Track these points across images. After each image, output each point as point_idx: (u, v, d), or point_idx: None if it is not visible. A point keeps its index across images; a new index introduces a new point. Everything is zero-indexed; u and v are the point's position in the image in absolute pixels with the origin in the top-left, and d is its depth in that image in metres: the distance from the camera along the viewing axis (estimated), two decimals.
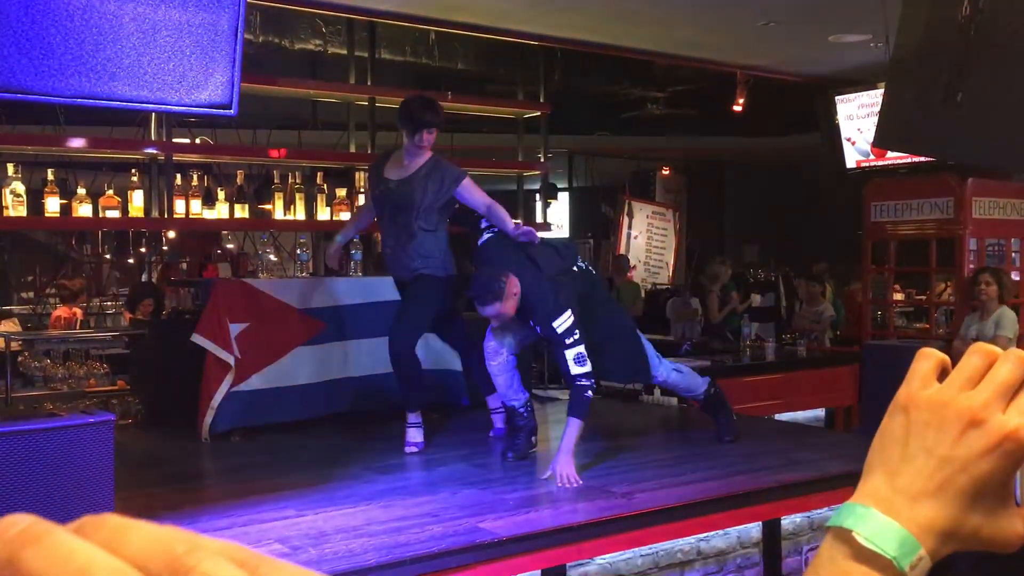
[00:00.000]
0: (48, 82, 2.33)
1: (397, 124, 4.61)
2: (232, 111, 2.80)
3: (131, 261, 10.43)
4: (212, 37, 2.63)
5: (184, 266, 7.34)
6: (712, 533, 3.99)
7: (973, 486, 0.62)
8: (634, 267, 11.07)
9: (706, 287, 9.07)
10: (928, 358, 0.66)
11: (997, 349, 0.64)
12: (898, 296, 8.72)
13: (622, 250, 11.47)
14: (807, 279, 9.00)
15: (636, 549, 3.78)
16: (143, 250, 9.58)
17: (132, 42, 2.46)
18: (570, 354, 4.10)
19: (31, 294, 10.82)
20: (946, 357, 0.66)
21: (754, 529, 4.19)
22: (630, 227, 11.87)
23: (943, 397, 0.63)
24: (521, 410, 4.59)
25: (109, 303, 9.43)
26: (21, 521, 0.34)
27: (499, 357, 4.56)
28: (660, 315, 9.62)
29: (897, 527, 0.61)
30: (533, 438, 4.67)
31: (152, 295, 7.18)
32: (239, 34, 2.76)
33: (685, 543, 3.98)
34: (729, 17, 6.24)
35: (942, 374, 0.65)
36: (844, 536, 0.62)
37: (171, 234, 8.95)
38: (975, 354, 0.64)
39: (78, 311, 7.30)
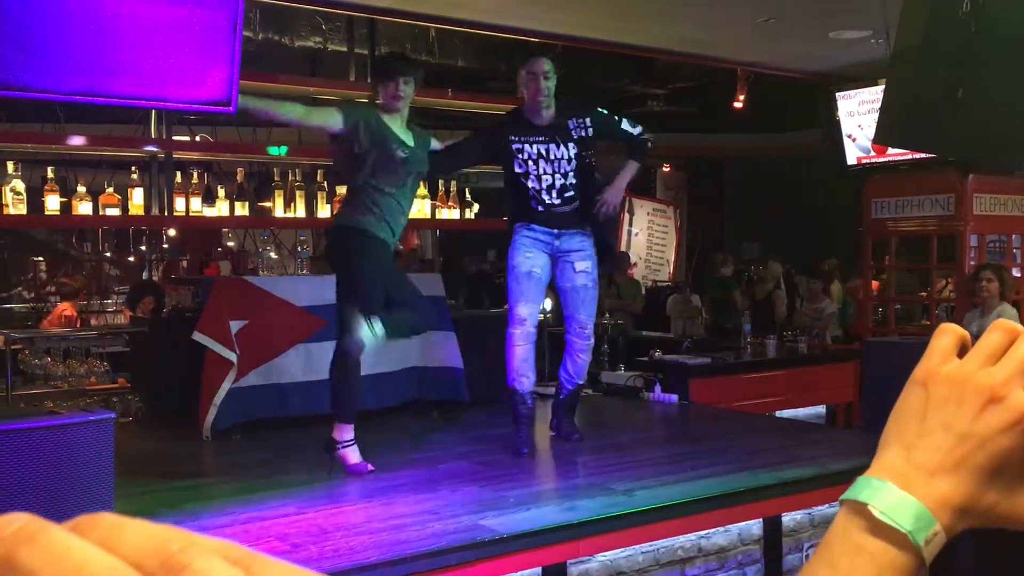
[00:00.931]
0: (47, 79, 2.33)
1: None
2: (231, 108, 2.80)
3: (131, 259, 10.43)
4: (211, 34, 2.63)
5: (184, 264, 7.35)
6: (713, 530, 3.99)
7: (991, 462, 0.61)
8: (635, 264, 11.07)
9: (763, 286, 9.06)
10: (948, 333, 0.65)
11: (1019, 326, 0.64)
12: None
13: (623, 247, 11.46)
14: (808, 276, 9.00)
15: (637, 546, 3.78)
16: (143, 248, 9.59)
17: (131, 39, 2.46)
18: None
19: (31, 292, 10.82)
20: (966, 333, 0.65)
21: (755, 526, 4.19)
22: (631, 224, 11.87)
23: (963, 373, 0.63)
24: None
25: (109, 301, 9.43)
26: (17, 519, 0.34)
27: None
28: (661, 312, 9.62)
29: (913, 501, 0.60)
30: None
31: (153, 293, 7.19)
32: (238, 31, 2.76)
33: (686, 540, 3.98)
34: (730, 14, 6.23)
35: (962, 350, 0.65)
36: (859, 509, 0.61)
37: (171, 232, 8.96)
38: (996, 331, 0.64)
39: (71, 308, 7.29)
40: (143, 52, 2.48)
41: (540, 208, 4.60)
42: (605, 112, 4.74)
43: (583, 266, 4.68)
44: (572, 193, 4.60)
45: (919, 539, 0.60)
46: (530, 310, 4.62)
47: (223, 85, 2.67)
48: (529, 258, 4.59)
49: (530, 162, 4.56)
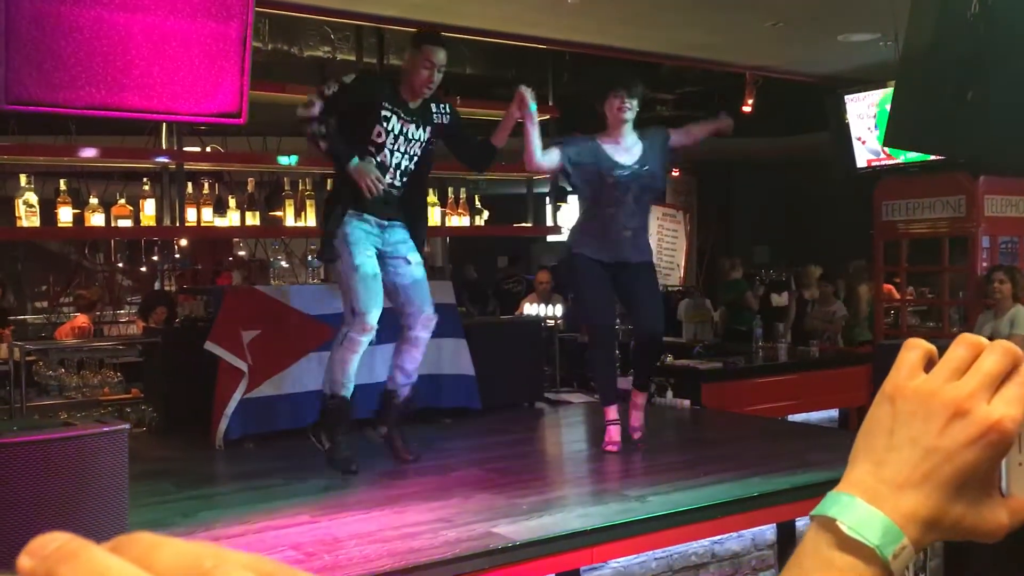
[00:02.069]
0: (60, 94, 2.36)
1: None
2: (241, 119, 2.82)
3: (143, 269, 10.50)
4: (221, 46, 2.65)
5: (196, 272, 7.40)
6: (726, 536, 3.98)
7: (957, 476, 0.62)
8: None
9: (804, 292, 9.06)
10: (915, 348, 0.66)
11: (984, 340, 0.65)
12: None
13: None
14: (820, 279, 8.98)
15: (650, 552, 3.77)
16: (156, 258, 9.64)
17: (142, 53, 2.48)
18: None
19: (45, 303, 10.90)
20: (933, 348, 0.66)
21: (768, 531, 4.18)
22: None
23: (929, 387, 0.64)
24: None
25: (123, 311, 9.48)
26: (57, 538, 0.36)
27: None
28: (671, 317, 9.60)
29: (881, 516, 0.61)
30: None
31: (165, 303, 7.23)
32: (247, 43, 2.78)
33: (699, 546, 3.97)
34: (737, 19, 6.23)
35: (929, 364, 0.65)
36: (828, 525, 0.63)
37: (183, 242, 9.00)
38: (961, 345, 0.65)
39: (86, 320, 7.33)
40: (154, 66, 2.50)
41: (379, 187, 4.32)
42: (459, 113, 4.70)
43: (416, 257, 4.50)
44: (408, 179, 4.46)
45: (887, 553, 0.61)
46: (377, 316, 4.32)
47: (233, 97, 2.69)
48: (370, 257, 4.31)
49: (390, 135, 4.34)
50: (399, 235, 4.46)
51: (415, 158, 4.46)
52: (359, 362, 4.38)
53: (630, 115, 4.72)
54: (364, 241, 4.30)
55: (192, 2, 2.56)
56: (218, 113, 2.77)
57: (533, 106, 4.53)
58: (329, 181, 6.30)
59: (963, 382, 0.63)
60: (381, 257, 4.39)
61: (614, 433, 4.72)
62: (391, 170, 4.37)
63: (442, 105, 4.57)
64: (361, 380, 4.52)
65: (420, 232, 4.61)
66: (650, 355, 5.00)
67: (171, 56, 2.54)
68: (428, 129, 4.48)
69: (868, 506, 0.62)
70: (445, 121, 4.55)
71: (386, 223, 4.40)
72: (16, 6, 2.30)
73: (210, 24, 2.62)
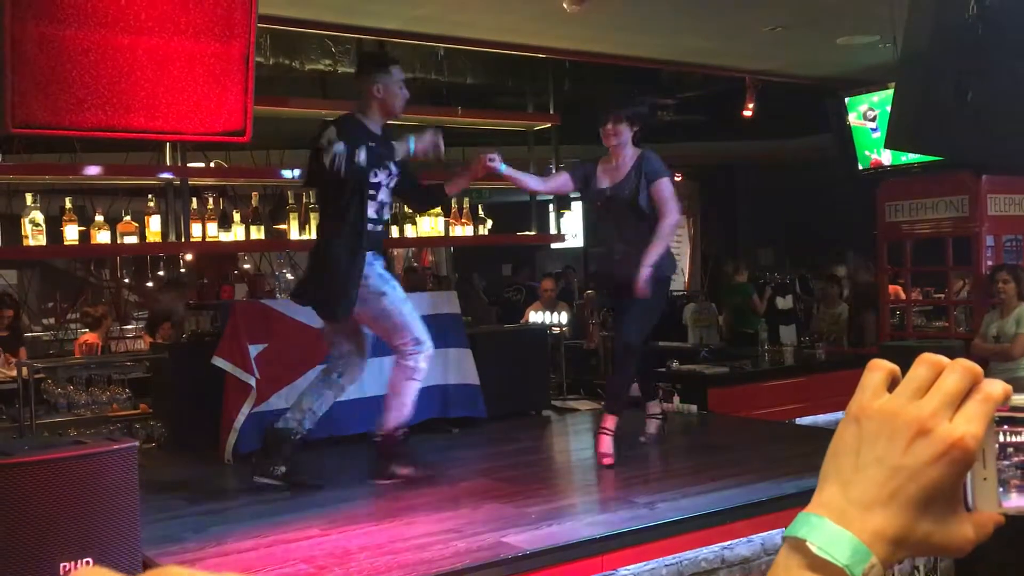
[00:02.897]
0: (66, 117, 2.38)
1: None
2: (246, 137, 2.84)
3: (149, 284, 10.53)
4: (224, 66, 2.68)
5: (202, 286, 7.40)
6: (736, 540, 3.98)
7: (922, 494, 0.63)
8: None
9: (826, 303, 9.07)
10: (878, 369, 0.68)
11: (944, 359, 0.66)
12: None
13: None
14: (825, 280, 8.98)
15: (660, 559, 3.77)
16: (161, 273, 9.68)
17: (147, 74, 2.51)
18: None
19: (52, 320, 10.93)
20: (896, 368, 0.68)
21: (778, 536, 4.18)
22: None
23: (892, 407, 0.65)
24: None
25: (129, 327, 9.51)
26: (94, 573, 0.37)
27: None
28: (677, 321, 9.61)
29: (849, 536, 0.63)
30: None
31: (171, 319, 7.25)
32: (250, 62, 2.80)
33: (709, 551, 3.97)
34: (737, 24, 6.24)
35: (893, 384, 0.67)
36: (798, 546, 0.64)
37: (188, 257, 9.03)
38: (922, 364, 0.66)
39: (95, 337, 7.36)
40: (159, 87, 2.53)
41: (379, 228, 4.35)
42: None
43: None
44: (388, 217, 4.47)
45: (856, 572, 0.62)
46: None
47: (238, 115, 2.71)
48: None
49: (381, 172, 4.24)
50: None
51: (391, 187, 4.39)
52: (368, 378, 4.71)
53: (615, 140, 4.78)
54: (385, 275, 4.34)
55: (195, 23, 2.58)
56: (223, 132, 2.79)
57: (502, 167, 4.53)
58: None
59: (925, 401, 0.64)
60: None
61: (605, 444, 4.63)
62: (385, 206, 4.39)
63: (400, 140, 4.41)
64: (351, 395, 4.84)
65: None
66: (621, 365, 4.86)
67: (175, 76, 2.56)
68: (396, 164, 4.34)
69: (836, 526, 0.63)
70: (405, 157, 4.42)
71: (372, 255, 4.32)
72: (22, 30, 2.33)
73: (213, 44, 2.64)
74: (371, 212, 4.24)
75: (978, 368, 0.65)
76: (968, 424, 0.63)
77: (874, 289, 8.33)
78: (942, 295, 8.38)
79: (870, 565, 0.62)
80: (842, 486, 0.65)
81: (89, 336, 7.43)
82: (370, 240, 4.26)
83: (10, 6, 2.23)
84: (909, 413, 0.64)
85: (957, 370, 0.65)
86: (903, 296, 8.20)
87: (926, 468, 0.63)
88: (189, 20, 2.57)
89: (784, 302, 9.66)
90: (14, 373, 5.57)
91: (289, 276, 8.22)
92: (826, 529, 0.63)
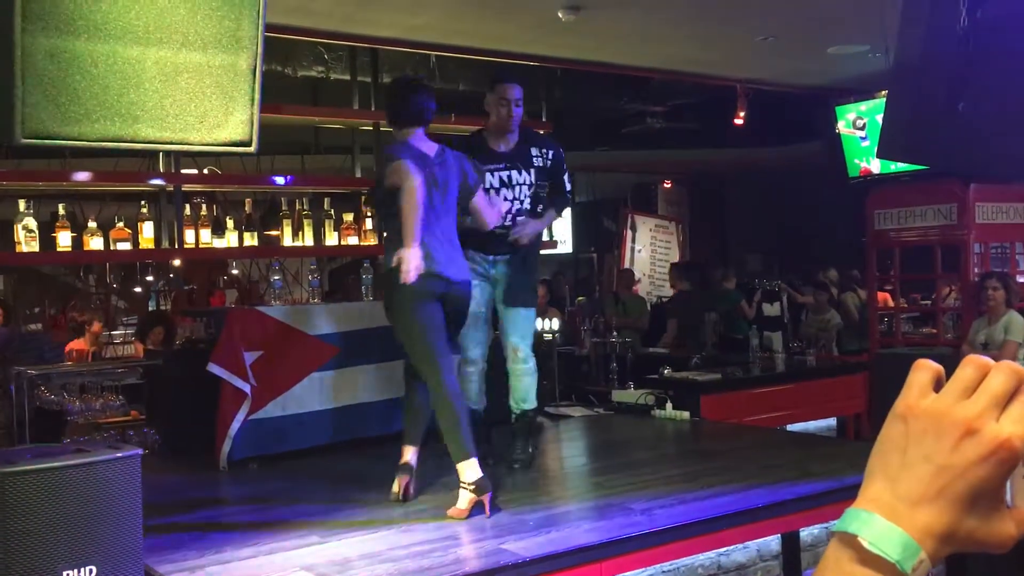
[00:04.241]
0: (75, 127, 2.39)
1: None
2: (252, 148, 2.86)
3: (138, 290, 10.48)
4: (232, 78, 2.69)
5: (187, 292, 7.39)
6: (732, 547, 4.02)
7: (969, 491, 0.65)
8: (639, 281, 11.12)
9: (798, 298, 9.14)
10: (925, 369, 0.70)
11: (990, 360, 0.68)
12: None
13: (626, 264, 11.52)
14: (814, 287, 9.04)
15: (657, 565, 3.80)
16: (150, 279, 9.63)
17: (155, 85, 2.52)
18: None
19: (39, 326, 10.85)
20: (941, 368, 0.70)
21: (773, 542, 4.22)
22: (634, 241, 11.93)
23: (940, 407, 0.67)
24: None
25: (118, 332, 9.46)
26: None
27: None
28: (665, 328, 9.64)
29: (900, 531, 0.65)
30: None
31: (162, 323, 7.23)
32: (258, 74, 2.82)
33: (705, 558, 4.01)
34: (728, 34, 6.29)
35: (937, 384, 0.69)
36: (849, 541, 0.66)
37: (176, 262, 9.00)
38: (969, 366, 0.68)
39: (83, 343, 7.32)
40: (167, 98, 2.54)
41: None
42: (562, 157, 4.82)
43: (519, 293, 4.75)
44: (523, 218, 4.65)
45: (907, 567, 0.64)
46: (482, 350, 4.77)
47: (244, 126, 2.73)
48: (474, 297, 4.52)
49: (491, 191, 4.54)
50: (505, 269, 4.69)
51: (525, 200, 4.63)
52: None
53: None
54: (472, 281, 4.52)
55: (204, 35, 2.59)
56: (229, 142, 2.80)
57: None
58: (326, 200, 6.34)
59: (972, 402, 0.66)
60: (494, 287, 4.69)
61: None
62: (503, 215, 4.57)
63: (545, 150, 4.71)
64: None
65: (532, 264, 4.83)
66: None
67: (183, 88, 2.58)
68: (532, 172, 4.64)
69: (887, 522, 0.65)
70: (548, 165, 4.70)
71: (491, 258, 4.66)
72: (33, 43, 2.34)
73: (221, 56, 2.66)
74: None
75: (1023, 370, 0.67)
76: (1015, 425, 0.65)
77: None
78: (928, 302, 8.46)
79: (919, 560, 0.64)
80: (890, 482, 0.67)
81: (78, 343, 7.40)
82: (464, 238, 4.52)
83: (21, 19, 2.24)
84: (957, 413, 0.66)
85: (1004, 371, 0.67)
86: (891, 303, 8.27)
87: (973, 467, 0.65)
88: (198, 33, 2.58)
89: (771, 308, 9.72)
90: None
91: (279, 283, 8.19)
92: (877, 524, 0.65)
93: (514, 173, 4.61)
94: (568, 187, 4.88)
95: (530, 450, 4.91)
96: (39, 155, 6.73)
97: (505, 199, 4.56)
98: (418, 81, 4.69)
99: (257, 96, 2.80)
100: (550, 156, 4.72)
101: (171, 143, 2.70)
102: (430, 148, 4.17)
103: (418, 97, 4.23)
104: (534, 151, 4.68)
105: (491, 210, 4.35)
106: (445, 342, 4.06)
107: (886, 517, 0.65)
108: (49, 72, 2.34)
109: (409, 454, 4.17)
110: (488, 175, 4.52)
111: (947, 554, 0.67)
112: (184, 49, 2.56)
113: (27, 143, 2.45)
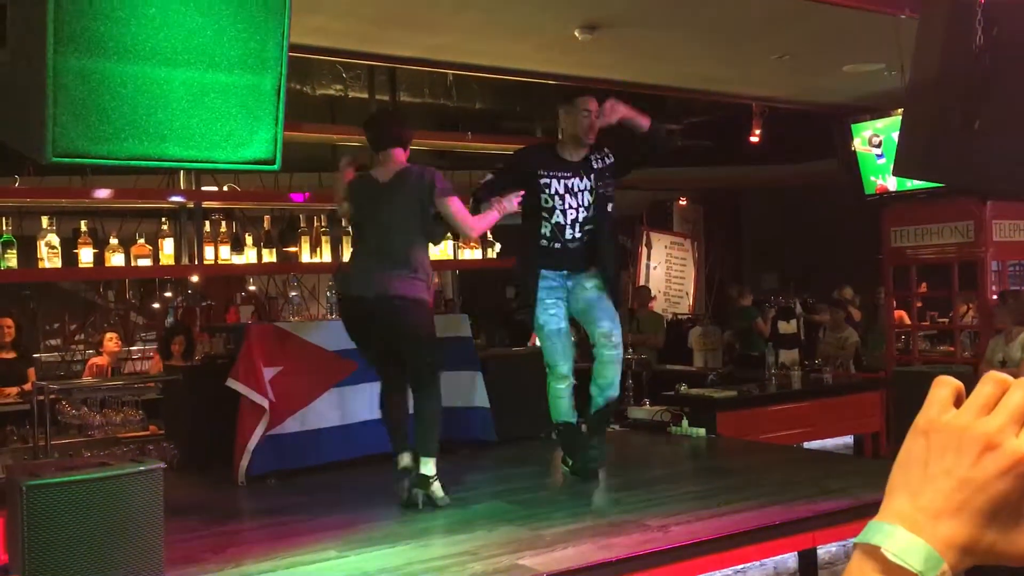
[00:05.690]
0: (104, 146, 2.44)
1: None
2: (276, 166, 2.92)
3: (156, 306, 10.56)
4: (256, 98, 2.75)
5: (205, 308, 7.46)
6: (749, 564, 4.01)
7: (989, 505, 0.67)
8: (655, 298, 11.12)
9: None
10: (945, 385, 0.71)
11: (1009, 378, 0.70)
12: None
13: (642, 281, 11.53)
14: (831, 305, 9.03)
15: None
16: (168, 294, 9.72)
17: (182, 105, 2.58)
18: None
19: (58, 341, 10.95)
20: (961, 384, 0.72)
21: (790, 559, 4.21)
22: (649, 258, 11.94)
23: (961, 422, 0.69)
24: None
25: (136, 348, 9.54)
26: None
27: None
28: (681, 345, 9.65)
29: (922, 543, 0.66)
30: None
31: (184, 333, 7.30)
32: (282, 93, 2.88)
33: (722, 575, 4.00)
34: (744, 52, 6.31)
35: (958, 400, 0.71)
36: (872, 552, 0.67)
37: (194, 278, 9.08)
38: (989, 382, 0.70)
39: (103, 358, 7.39)
40: (193, 117, 2.60)
41: (557, 245, 4.78)
42: (613, 148, 4.98)
43: (591, 282, 4.87)
44: (592, 226, 4.80)
45: None
46: (570, 365, 4.89)
47: (269, 145, 2.78)
48: (554, 315, 4.79)
49: (556, 197, 4.76)
50: (584, 281, 4.85)
51: (590, 206, 4.79)
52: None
53: None
54: (547, 298, 4.79)
55: (230, 56, 2.65)
56: (254, 160, 2.85)
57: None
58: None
59: (992, 417, 0.68)
60: (568, 295, 4.84)
61: None
62: (569, 227, 4.77)
63: (598, 152, 4.89)
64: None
65: (608, 269, 4.92)
66: None
67: (209, 107, 2.63)
68: (592, 176, 4.81)
69: (910, 534, 0.66)
70: (608, 163, 4.88)
71: (566, 273, 4.83)
72: (64, 64, 2.40)
73: (247, 76, 2.71)
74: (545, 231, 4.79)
75: None
76: None
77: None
78: (945, 320, 8.43)
79: (941, 572, 0.66)
80: (911, 495, 0.69)
81: (99, 359, 7.48)
82: (541, 258, 4.83)
83: (53, 41, 2.30)
84: (977, 428, 0.68)
85: (1023, 388, 0.69)
86: (907, 321, 8.25)
87: (994, 481, 0.67)
88: (224, 54, 2.64)
89: (787, 326, 9.71)
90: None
91: (297, 299, 8.25)
92: (899, 536, 0.67)
93: (575, 180, 4.79)
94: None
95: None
96: (62, 172, 6.81)
97: (569, 207, 4.75)
98: (374, 114, 4.92)
99: (281, 115, 2.85)
100: (607, 152, 4.89)
101: (197, 161, 2.76)
102: (389, 170, 4.54)
103: (369, 130, 4.74)
104: (592, 156, 4.86)
105: (470, 218, 4.57)
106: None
107: (909, 529, 0.67)
108: (79, 92, 2.40)
109: (404, 461, 4.44)
110: (554, 181, 4.75)
111: (968, 567, 0.68)
112: (211, 70, 2.61)
113: (57, 162, 2.50)
